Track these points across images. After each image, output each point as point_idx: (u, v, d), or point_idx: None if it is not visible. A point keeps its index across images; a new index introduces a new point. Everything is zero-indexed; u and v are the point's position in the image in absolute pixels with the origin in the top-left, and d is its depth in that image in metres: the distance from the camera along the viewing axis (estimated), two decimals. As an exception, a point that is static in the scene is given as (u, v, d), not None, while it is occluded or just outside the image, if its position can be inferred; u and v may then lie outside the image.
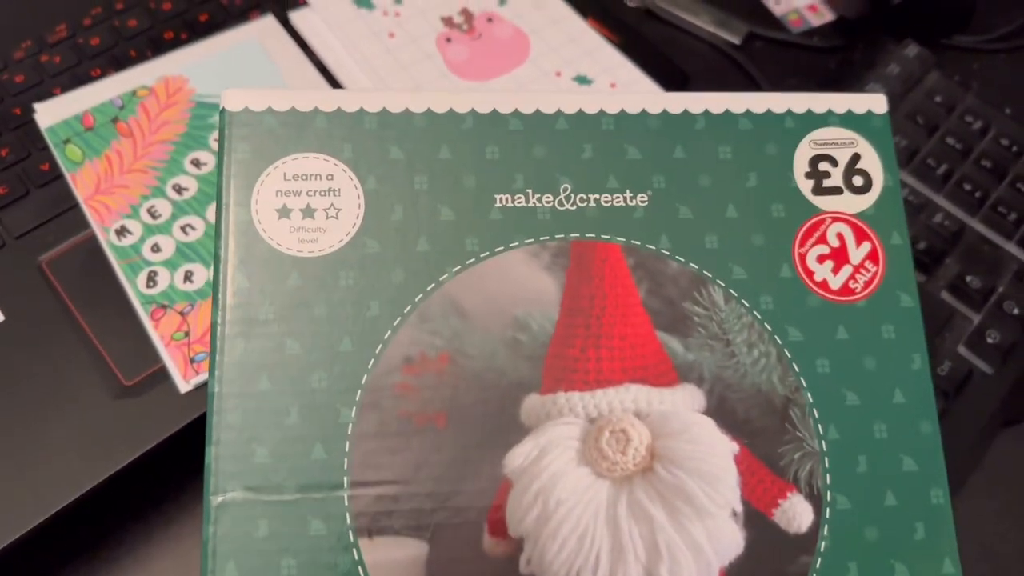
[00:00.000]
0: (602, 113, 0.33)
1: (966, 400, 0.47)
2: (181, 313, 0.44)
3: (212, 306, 0.30)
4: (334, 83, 0.54)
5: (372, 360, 0.30)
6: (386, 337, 0.30)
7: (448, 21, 0.59)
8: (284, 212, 0.31)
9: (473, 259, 0.31)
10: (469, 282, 0.31)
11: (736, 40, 0.64)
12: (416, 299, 0.30)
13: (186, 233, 0.45)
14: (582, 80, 0.56)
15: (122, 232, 0.45)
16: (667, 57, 0.60)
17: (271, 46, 0.54)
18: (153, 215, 0.45)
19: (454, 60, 0.57)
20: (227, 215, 0.30)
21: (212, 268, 0.30)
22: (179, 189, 0.47)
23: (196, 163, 0.48)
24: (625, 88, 0.56)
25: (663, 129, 0.33)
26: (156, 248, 0.44)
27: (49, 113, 0.49)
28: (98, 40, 0.53)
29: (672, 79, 0.58)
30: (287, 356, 0.29)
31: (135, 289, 0.43)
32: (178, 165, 0.47)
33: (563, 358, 0.31)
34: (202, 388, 0.42)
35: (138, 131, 0.48)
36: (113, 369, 0.43)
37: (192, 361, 0.43)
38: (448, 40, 0.58)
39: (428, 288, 0.31)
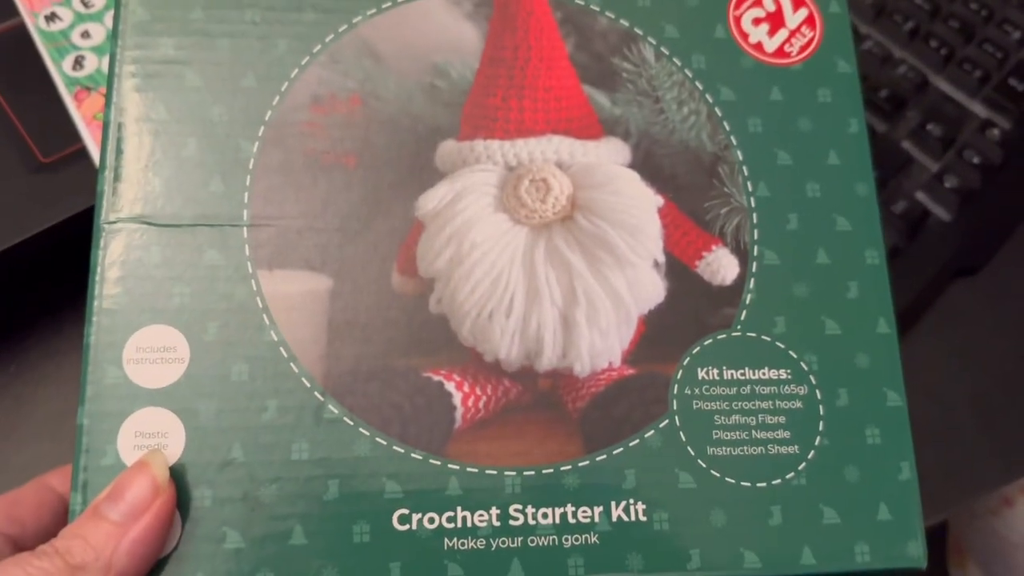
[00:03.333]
0: None
1: (921, 244, 0.46)
2: (105, 95, 0.42)
3: (110, 40, 0.28)
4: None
5: (277, 97, 0.28)
6: (293, 75, 0.28)
7: None
8: (187, -55, 0.29)
9: (389, 3, 0.29)
10: (385, 25, 0.29)
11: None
12: (327, 39, 0.29)
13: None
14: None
15: (52, 18, 0.43)
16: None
17: None
18: (85, 3, 0.44)
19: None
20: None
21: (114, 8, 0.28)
22: None
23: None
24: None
25: None
26: (86, 35, 0.43)
27: None
28: None
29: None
30: (186, 88, 0.28)
31: (60, 71, 0.42)
32: None
33: (483, 107, 0.29)
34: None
35: None
36: (31, 146, 0.41)
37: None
38: None
39: (340, 29, 0.29)
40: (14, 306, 0.43)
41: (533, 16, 0.30)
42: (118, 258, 0.26)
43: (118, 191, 0.27)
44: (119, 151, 0.27)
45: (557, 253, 0.28)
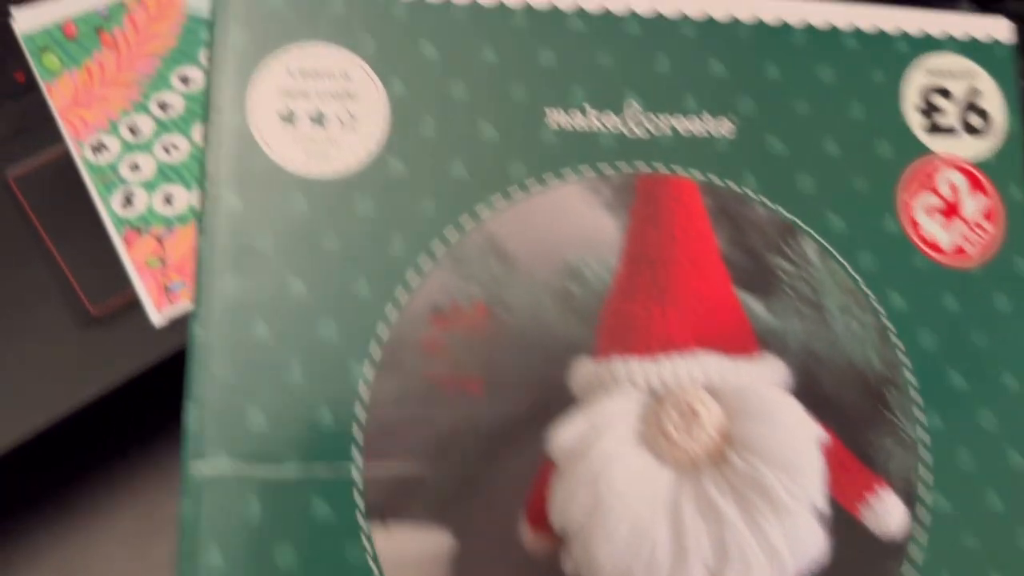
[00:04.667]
0: (683, 18, 0.27)
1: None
2: (158, 238, 0.38)
3: (197, 233, 0.24)
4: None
5: (393, 308, 0.24)
6: (411, 280, 0.24)
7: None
8: (289, 118, 0.25)
9: (519, 190, 0.25)
10: (514, 218, 0.25)
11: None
12: (448, 235, 0.25)
13: (168, 153, 0.40)
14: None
15: (99, 148, 0.39)
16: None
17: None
18: (134, 132, 0.40)
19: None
20: (218, 119, 0.24)
21: (199, 187, 0.24)
22: (164, 106, 0.41)
23: (184, 79, 0.42)
24: None
25: (755, 42, 0.27)
26: (135, 167, 0.39)
27: (28, 19, 0.43)
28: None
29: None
30: (289, 298, 0.24)
31: (109, 209, 0.38)
32: (164, 80, 0.42)
33: (623, 315, 0.25)
34: (178, 322, 0.37)
35: (124, 43, 0.42)
36: (80, 296, 0.37)
37: (167, 290, 0.37)
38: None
39: (463, 223, 0.25)
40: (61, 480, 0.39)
41: (680, 204, 0.26)
42: (210, 511, 0.23)
43: (208, 427, 0.23)
44: (209, 378, 0.23)
45: (707, 500, 0.24)
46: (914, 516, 0.25)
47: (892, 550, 0.25)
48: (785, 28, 0.27)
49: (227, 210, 0.24)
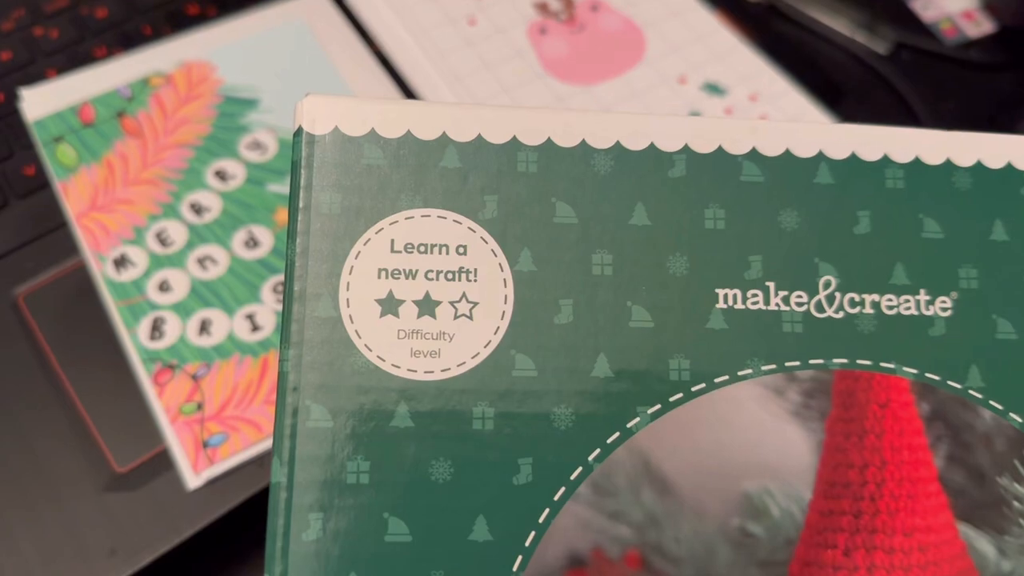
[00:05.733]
0: (886, 161, 0.21)
1: None
2: (193, 376, 0.32)
3: (273, 458, 0.18)
4: (400, 85, 0.42)
5: (519, 558, 0.18)
6: (542, 520, 0.18)
7: (543, 8, 0.47)
8: (390, 306, 0.19)
9: (681, 395, 0.19)
10: (673, 433, 0.19)
11: (882, 50, 0.52)
12: (590, 458, 0.19)
13: (205, 268, 0.34)
14: (713, 89, 0.45)
15: (122, 262, 0.33)
16: (814, 63, 0.48)
17: (320, 29, 0.42)
18: (163, 242, 0.33)
19: (550, 56, 0.45)
20: (302, 308, 0.18)
21: (276, 393, 0.19)
22: (198, 209, 0.35)
23: (221, 175, 0.36)
24: (770, 103, 0.44)
25: (976, 192, 0.21)
26: (165, 286, 0.33)
27: (39, 101, 0.37)
28: (106, 11, 0.41)
29: (820, 92, 0.46)
30: (389, 545, 0.18)
31: (135, 341, 0.32)
32: (198, 177, 0.36)
33: (816, 565, 0.19)
34: (216, 483, 0.31)
35: (150, 130, 0.37)
36: (102, 449, 0.32)
37: (205, 446, 0.31)
38: (542, 31, 0.46)
39: (609, 440, 0.19)
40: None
41: (889, 410, 0.20)
42: None
43: None
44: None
45: None
46: None
47: None
48: (1010, 170, 0.22)
49: (310, 427, 0.18)
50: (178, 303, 0.32)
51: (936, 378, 0.20)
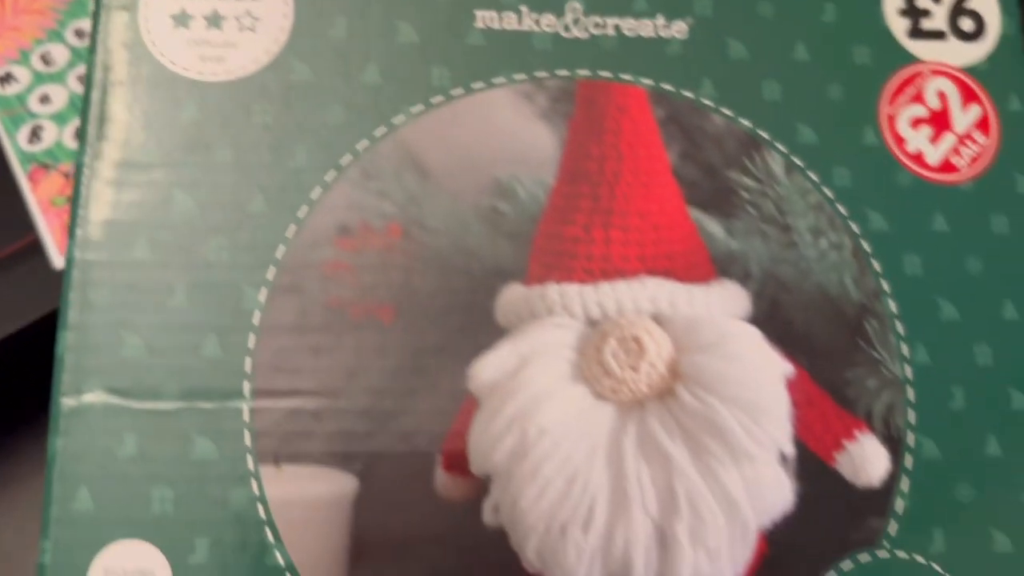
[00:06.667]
0: (628, -92, 0.24)
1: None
2: (66, 175, 0.36)
3: (78, 143, 0.22)
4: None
5: (293, 226, 0.22)
6: (314, 196, 0.22)
7: None
8: (182, 19, 0.22)
9: (441, 97, 0.23)
10: (435, 128, 0.22)
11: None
12: (359, 147, 0.22)
13: (84, 84, 0.37)
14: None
15: (7, 79, 0.37)
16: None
17: None
18: (47, 61, 0.37)
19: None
20: (104, 20, 0.22)
21: (83, 93, 0.22)
22: (82, 34, 0.38)
23: (105, 3, 0.40)
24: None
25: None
26: (45, 99, 0.36)
27: None
28: None
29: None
30: (175, 215, 0.21)
31: (14, 145, 0.35)
32: (84, 7, 0.39)
33: (558, 238, 0.22)
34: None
35: None
36: None
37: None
38: None
39: (376, 133, 0.22)
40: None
41: (626, 114, 0.23)
42: (82, 448, 0.20)
43: (82, 355, 0.20)
44: (85, 302, 0.21)
45: (652, 441, 0.21)
46: (898, 463, 0.22)
47: (872, 501, 0.22)
48: (746, -81, 0.24)
49: (110, 115, 0.21)
50: (57, 112, 0.36)
51: (671, 88, 0.23)
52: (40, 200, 0.34)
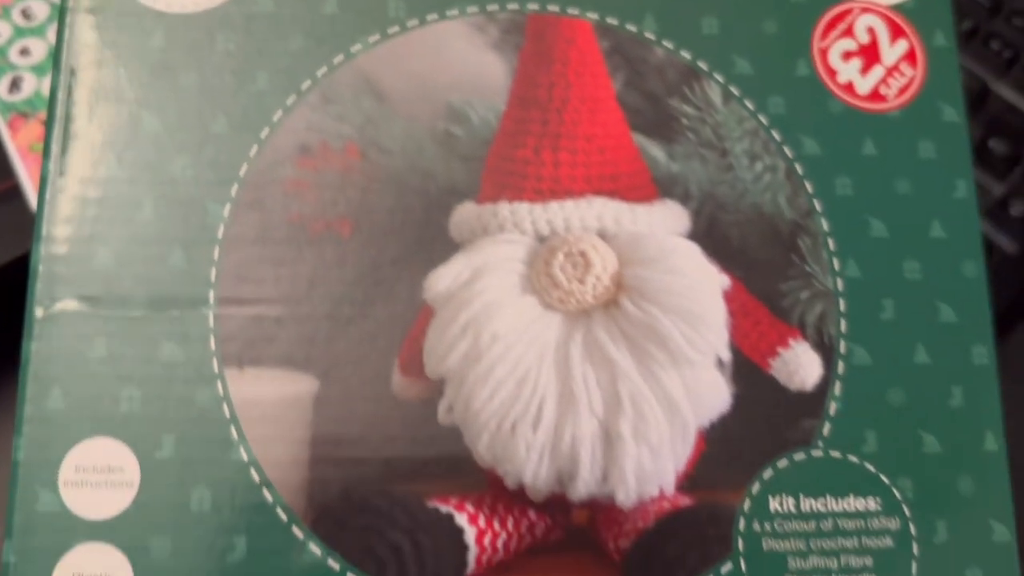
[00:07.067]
0: None
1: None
2: (44, 123, 0.37)
3: (52, 70, 0.23)
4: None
5: (255, 146, 0.23)
6: (275, 119, 0.23)
7: None
8: (148, -48, 0.23)
9: (397, 28, 0.24)
10: (390, 57, 0.24)
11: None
12: (318, 73, 0.23)
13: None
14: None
15: None
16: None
17: None
18: (27, 16, 0.38)
19: None
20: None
21: (57, 23, 0.23)
22: None
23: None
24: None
25: None
26: (25, 52, 0.37)
27: None
28: None
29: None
30: (142, 134, 0.22)
31: None
32: None
33: (510, 160, 0.24)
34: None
35: None
36: None
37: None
38: None
39: (335, 60, 0.23)
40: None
41: (573, 46, 0.24)
42: (54, 352, 0.21)
43: (55, 266, 0.21)
44: (57, 216, 0.22)
45: (598, 347, 0.22)
46: (830, 368, 0.23)
47: (806, 404, 0.23)
48: None
49: (81, 44, 0.23)
50: (36, 64, 0.37)
51: (615, 22, 0.25)
52: (19, 147, 0.35)
